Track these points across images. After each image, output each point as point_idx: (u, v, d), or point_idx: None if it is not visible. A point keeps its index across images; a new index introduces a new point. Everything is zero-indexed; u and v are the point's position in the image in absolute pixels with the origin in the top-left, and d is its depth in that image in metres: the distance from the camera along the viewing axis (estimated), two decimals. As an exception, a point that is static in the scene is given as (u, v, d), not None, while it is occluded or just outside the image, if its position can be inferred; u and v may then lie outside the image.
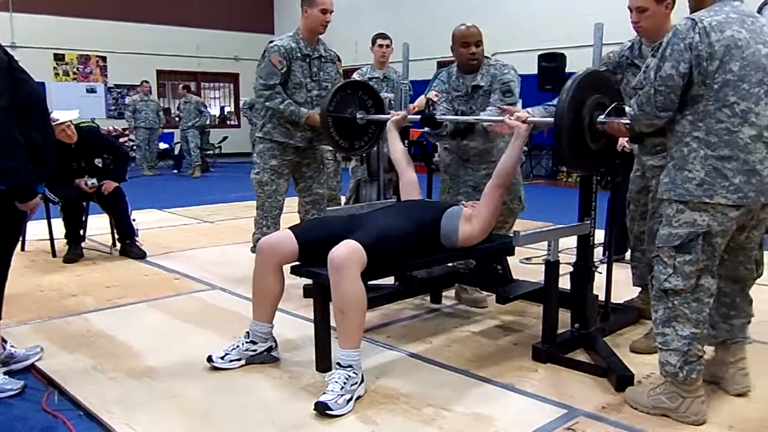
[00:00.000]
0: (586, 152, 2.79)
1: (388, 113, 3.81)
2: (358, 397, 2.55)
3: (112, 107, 14.85)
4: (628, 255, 4.01)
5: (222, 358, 2.89)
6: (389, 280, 3.63)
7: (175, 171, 13.08)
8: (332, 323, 2.72)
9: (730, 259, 2.48)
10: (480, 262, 3.79)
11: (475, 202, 3.17)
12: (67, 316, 3.66)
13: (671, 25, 2.98)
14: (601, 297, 3.30)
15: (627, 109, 2.50)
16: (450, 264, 3.67)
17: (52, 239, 5.11)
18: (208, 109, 13.76)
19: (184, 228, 6.63)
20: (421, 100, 6.03)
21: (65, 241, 5.06)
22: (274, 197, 4.20)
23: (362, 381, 2.61)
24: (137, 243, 5.20)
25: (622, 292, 3.67)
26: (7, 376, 2.73)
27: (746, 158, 2.22)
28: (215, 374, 2.84)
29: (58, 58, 14.11)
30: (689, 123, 2.29)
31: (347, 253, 2.54)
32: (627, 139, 3.10)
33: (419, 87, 5.98)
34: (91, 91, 14.57)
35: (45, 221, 5.09)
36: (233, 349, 2.92)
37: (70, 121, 4.86)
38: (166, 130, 13.22)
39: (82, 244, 5.14)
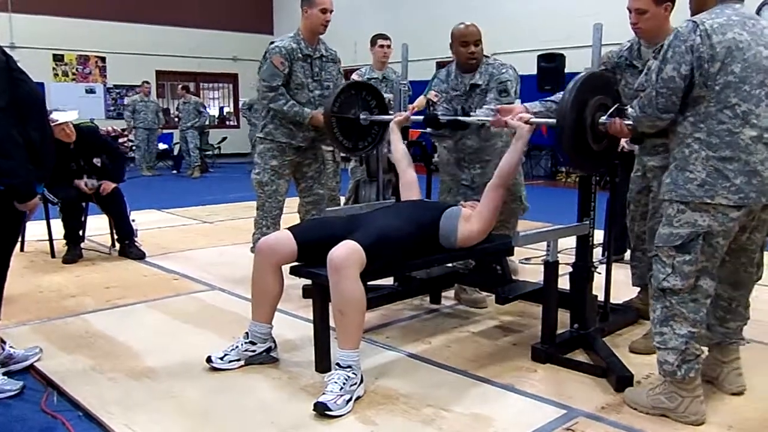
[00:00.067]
0: (588, 153, 2.80)
1: (389, 114, 3.81)
2: (358, 398, 2.55)
3: (111, 108, 14.83)
4: (627, 255, 4.02)
5: (221, 358, 2.89)
6: (388, 281, 3.63)
7: (174, 171, 13.08)
8: (331, 324, 2.72)
9: (732, 260, 2.49)
10: (479, 262, 3.80)
11: (474, 203, 3.17)
12: (66, 317, 3.66)
13: (670, 27, 2.99)
14: (601, 297, 3.30)
15: (629, 110, 2.51)
16: (449, 264, 3.67)
17: (51, 240, 5.11)
18: (207, 109, 13.76)
19: (184, 228, 6.63)
20: (420, 101, 6.04)
21: (64, 241, 5.06)
22: (275, 198, 4.20)
23: (361, 381, 2.61)
24: (136, 243, 5.20)
25: (622, 293, 3.67)
26: (6, 377, 2.73)
27: (747, 159, 2.23)
28: (214, 375, 2.84)
29: (57, 58, 14.10)
30: (691, 124, 2.30)
31: (346, 253, 2.54)
32: (627, 139, 3.10)
33: (419, 87, 5.97)
34: (90, 91, 14.55)
35: (44, 222, 5.09)
36: (232, 349, 2.92)
37: (70, 121, 4.86)
38: (165, 131, 13.21)
39: (82, 245, 5.13)
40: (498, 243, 3.30)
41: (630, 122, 2.55)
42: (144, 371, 2.89)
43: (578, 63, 4.46)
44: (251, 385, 2.75)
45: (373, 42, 5.62)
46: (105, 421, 2.42)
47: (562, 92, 3.20)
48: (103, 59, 14.64)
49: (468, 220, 3.01)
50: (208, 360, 2.88)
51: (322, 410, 2.42)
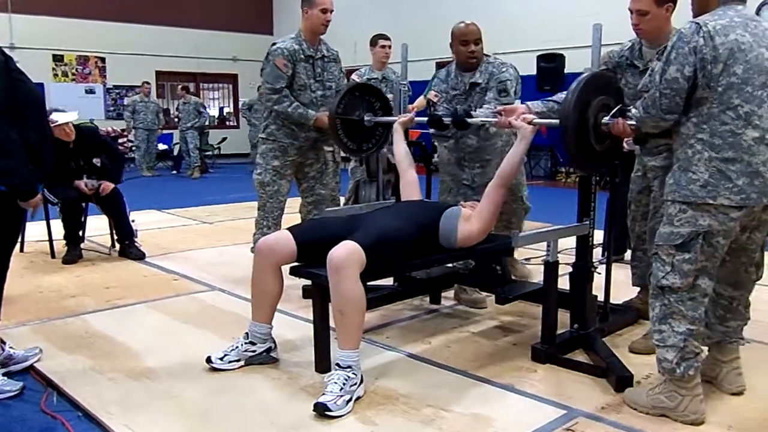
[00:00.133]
0: (591, 153, 2.81)
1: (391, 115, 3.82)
2: (358, 398, 2.55)
3: (111, 108, 14.83)
4: (627, 255, 4.02)
5: (221, 359, 2.89)
6: (388, 281, 3.63)
7: (174, 172, 13.08)
8: (331, 324, 2.72)
9: (732, 260, 2.49)
10: (479, 262, 3.80)
11: (474, 203, 3.17)
12: (66, 317, 3.66)
13: (671, 28, 3.00)
14: (600, 297, 3.30)
15: (633, 111, 2.52)
16: (449, 264, 3.67)
17: (51, 240, 5.11)
18: (207, 109, 13.76)
19: (183, 229, 6.63)
20: (420, 101, 6.04)
21: (64, 242, 5.06)
22: (276, 198, 4.20)
23: (361, 382, 2.61)
24: (136, 244, 5.20)
25: (622, 293, 3.67)
26: (6, 377, 2.73)
27: (750, 160, 2.25)
28: (214, 375, 2.84)
29: (57, 58, 14.10)
30: (694, 125, 2.32)
31: (346, 253, 2.54)
32: (627, 140, 3.10)
33: (418, 87, 5.98)
34: (90, 92, 14.56)
35: (44, 222, 5.08)
36: (232, 350, 2.92)
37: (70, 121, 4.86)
38: (165, 131, 13.21)
39: (81, 245, 5.14)
40: (498, 243, 3.30)
41: (633, 122, 2.56)
42: (144, 371, 2.89)
43: (578, 63, 4.47)
44: (251, 386, 2.75)
45: (374, 42, 5.63)
46: (105, 422, 2.42)
47: (563, 92, 3.22)
48: (102, 59, 14.64)
49: (468, 220, 3.01)
50: (208, 360, 2.88)
51: (322, 410, 2.42)
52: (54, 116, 4.65)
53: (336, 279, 2.54)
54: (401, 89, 4.03)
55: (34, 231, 5.25)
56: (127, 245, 5.16)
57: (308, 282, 3.12)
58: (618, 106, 2.72)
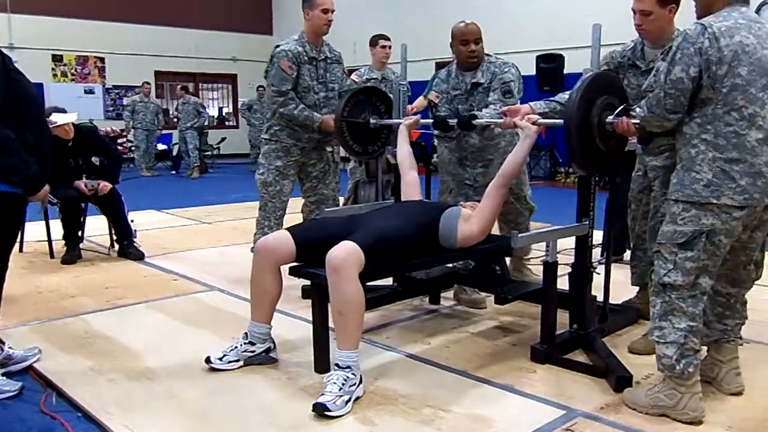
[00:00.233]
0: (595, 152, 2.81)
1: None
2: (357, 398, 2.55)
3: (110, 108, 14.83)
4: (626, 256, 4.02)
5: (220, 359, 2.89)
6: (388, 281, 3.63)
7: (174, 172, 13.08)
8: (331, 324, 2.72)
9: (731, 258, 2.50)
10: (479, 262, 3.79)
11: (474, 203, 3.17)
12: (66, 317, 3.66)
13: (674, 28, 3.01)
14: (600, 297, 3.30)
15: (637, 110, 2.54)
16: (450, 265, 3.67)
17: (50, 240, 5.11)
18: (207, 110, 13.76)
19: (183, 229, 6.63)
20: (420, 101, 6.05)
21: (63, 242, 5.06)
22: (278, 198, 4.20)
23: (361, 382, 2.60)
24: (135, 244, 5.20)
25: (621, 293, 3.67)
26: (5, 378, 2.73)
27: (753, 161, 2.27)
28: (214, 375, 2.84)
29: (56, 59, 14.09)
30: (698, 125, 2.33)
31: (345, 254, 2.54)
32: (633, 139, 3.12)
33: (418, 88, 5.98)
34: (89, 92, 14.55)
35: (43, 222, 5.08)
36: (231, 350, 2.92)
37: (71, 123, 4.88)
38: (164, 131, 13.20)
39: (81, 246, 5.13)
40: (497, 243, 3.30)
41: (637, 121, 2.58)
42: (143, 372, 2.89)
43: (578, 63, 4.46)
44: (250, 386, 2.74)
45: (375, 42, 5.63)
46: (104, 422, 2.41)
47: (564, 92, 3.24)
48: (102, 60, 14.64)
49: (468, 220, 3.01)
50: (207, 360, 2.88)
51: (321, 411, 2.42)
52: (53, 117, 4.66)
53: (335, 279, 2.54)
54: (401, 89, 4.03)
55: (34, 231, 5.25)
56: (126, 245, 5.16)
57: (308, 282, 3.12)
58: (622, 106, 2.73)
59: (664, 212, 2.56)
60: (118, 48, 14.41)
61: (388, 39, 5.63)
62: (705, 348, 2.65)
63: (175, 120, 13.25)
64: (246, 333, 2.94)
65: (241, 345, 2.92)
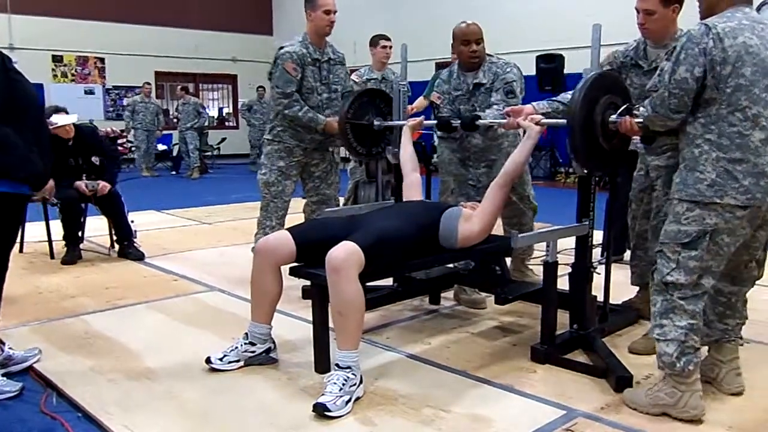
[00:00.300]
0: (598, 151, 2.82)
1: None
2: (357, 398, 2.55)
3: (110, 109, 14.84)
4: (626, 256, 4.02)
5: (220, 359, 2.89)
6: (388, 281, 3.63)
7: (174, 172, 13.07)
8: (331, 324, 2.72)
9: (734, 257, 2.50)
10: (480, 262, 3.79)
11: (474, 203, 3.17)
12: (66, 318, 3.66)
13: (676, 28, 3.02)
14: (600, 298, 3.30)
15: (641, 109, 2.54)
16: (450, 265, 3.67)
17: (50, 241, 5.11)
18: (207, 110, 13.76)
19: (183, 229, 6.63)
20: (420, 101, 6.05)
21: (63, 242, 5.06)
22: (280, 198, 4.20)
23: (361, 382, 2.60)
24: (135, 244, 5.20)
25: (621, 293, 3.67)
26: (5, 378, 2.73)
27: (756, 161, 2.28)
28: (214, 375, 2.84)
29: (57, 59, 14.11)
30: (701, 126, 2.34)
31: (345, 254, 2.53)
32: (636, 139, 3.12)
33: (418, 88, 5.98)
34: (90, 92, 14.57)
35: (43, 223, 5.09)
36: (232, 350, 2.92)
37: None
38: (164, 132, 13.20)
39: (81, 246, 5.14)
40: (498, 243, 3.30)
41: (640, 120, 2.59)
42: (143, 372, 2.89)
43: (578, 63, 4.46)
44: (251, 386, 2.74)
45: (375, 42, 5.64)
46: (104, 422, 2.41)
47: (566, 92, 3.25)
48: (102, 60, 14.65)
49: (468, 220, 3.01)
50: (208, 361, 2.88)
51: (321, 411, 2.42)
52: (54, 118, 4.67)
53: (334, 279, 2.54)
54: (401, 90, 4.03)
55: (34, 231, 5.25)
56: (126, 246, 5.16)
57: (308, 282, 3.12)
58: (625, 105, 2.74)
59: (666, 212, 2.56)
60: (118, 48, 14.41)
61: (388, 39, 5.63)
62: (705, 348, 2.65)
63: (175, 120, 13.26)
64: (246, 333, 2.94)
65: (241, 345, 2.92)
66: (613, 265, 3.45)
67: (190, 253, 5.39)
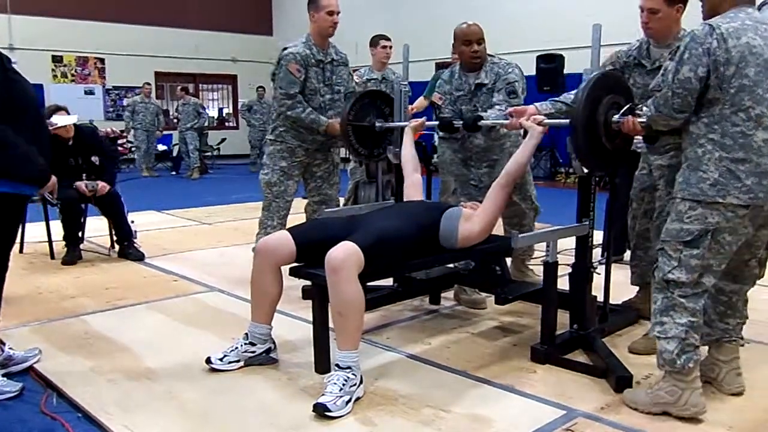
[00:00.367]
0: (601, 151, 2.82)
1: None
2: (357, 399, 2.55)
3: (111, 109, 14.84)
4: (626, 256, 4.02)
5: (221, 359, 2.89)
6: (388, 282, 3.63)
7: (174, 173, 13.06)
8: (331, 324, 2.72)
9: (736, 256, 2.51)
10: (480, 263, 3.80)
11: (475, 203, 3.17)
12: (66, 318, 3.66)
13: (680, 28, 3.02)
14: (600, 298, 3.30)
15: (644, 109, 2.55)
16: (450, 265, 3.67)
17: (50, 241, 5.11)
18: (207, 110, 13.75)
19: (183, 230, 6.63)
20: (420, 101, 6.05)
21: (63, 243, 5.06)
22: (282, 198, 4.20)
23: (361, 382, 2.61)
24: (135, 245, 5.20)
25: (621, 293, 3.67)
26: (5, 378, 2.73)
27: (759, 161, 2.29)
28: (214, 376, 2.84)
29: (56, 59, 14.10)
30: (705, 125, 2.35)
31: (344, 254, 2.53)
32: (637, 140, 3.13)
33: (418, 88, 5.98)
34: (90, 92, 14.56)
35: (43, 223, 5.08)
36: (232, 350, 2.92)
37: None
38: (164, 132, 13.19)
39: (81, 246, 5.13)
40: (498, 243, 3.30)
41: (643, 120, 2.59)
42: (143, 372, 2.89)
43: (578, 64, 4.46)
44: (251, 386, 2.75)
45: (375, 42, 5.64)
46: (104, 422, 2.41)
47: (568, 92, 3.26)
48: (102, 60, 14.65)
49: (469, 220, 3.01)
50: (208, 361, 2.88)
51: (321, 411, 2.42)
52: (54, 119, 4.67)
53: (334, 280, 2.54)
54: (401, 90, 4.03)
55: (34, 232, 5.25)
56: (126, 246, 5.16)
57: (308, 283, 3.12)
58: (628, 105, 2.74)
59: (669, 211, 2.56)
60: (118, 49, 14.41)
61: (388, 39, 5.64)
62: (705, 348, 2.65)
63: (175, 121, 13.25)
64: (246, 333, 2.94)
65: (241, 345, 2.92)
66: (613, 265, 3.45)
67: (190, 254, 5.39)
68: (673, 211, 2.45)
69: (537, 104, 3.21)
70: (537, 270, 3.95)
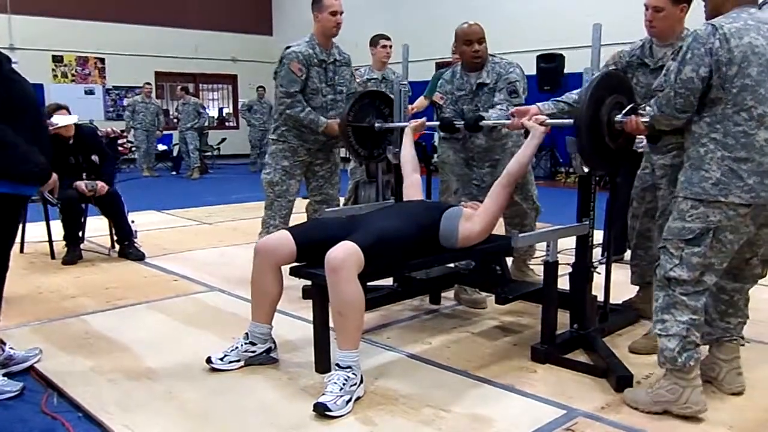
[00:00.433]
0: (604, 151, 2.83)
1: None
2: (358, 398, 2.55)
3: (111, 109, 14.84)
4: (627, 255, 4.02)
5: (221, 359, 2.89)
6: (388, 281, 3.63)
7: (174, 173, 13.07)
8: (331, 324, 2.72)
9: (737, 254, 2.51)
10: (480, 262, 3.80)
11: (475, 203, 3.17)
12: (66, 318, 3.66)
13: (683, 28, 3.03)
14: (600, 297, 3.30)
15: (647, 109, 2.56)
16: (451, 265, 3.67)
17: (50, 241, 5.11)
18: (207, 110, 13.75)
19: (183, 229, 6.63)
20: (420, 101, 6.05)
21: (64, 242, 5.06)
22: (285, 197, 4.20)
23: (361, 382, 2.61)
24: (136, 244, 5.20)
25: (621, 293, 3.67)
26: (6, 378, 2.73)
27: (761, 160, 2.29)
28: (214, 376, 2.84)
29: (57, 59, 14.11)
30: (707, 125, 2.36)
31: (344, 254, 2.53)
32: (639, 140, 3.13)
33: (418, 88, 5.97)
34: (90, 92, 14.57)
35: (44, 223, 5.09)
36: (232, 350, 2.92)
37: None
38: (165, 132, 13.19)
39: (81, 246, 5.14)
40: (498, 243, 3.30)
41: (646, 120, 2.60)
42: (144, 372, 2.89)
43: (578, 63, 4.46)
44: (251, 386, 2.75)
45: (375, 42, 5.64)
46: (105, 422, 2.42)
47: (570, 92, 3.27)
48: (102, 60, 14.65)
49: (470, 219, 3.01)
50: (208, 361, 2.88)
51: (321, 411, 2.42)
52: (54, 119, 4.67)
53: (334, 280, 2.54)
54: (401, 89, 4.03)
55: (34, 232, 5.25)
56: (126, 246, 5.16)
57: (308, 282, 3.12)
58: (631, 105, 2.74)
59: (671, 210, 2.57)
60: (118, 49, 14.42)
61: (388, 39, 5.64)
62: (706, 347, 2.65)
63: (176, 121, 13.25)
64: (247, 333, 2.94)
65: (241, 345, 2.92)
66: (614, 265, 3.45)
67: (191, 254, 5.39)
68: (676, 209, 2.45)
69: (539, 104, 3.21)
70: (537, 270, 3.95)
